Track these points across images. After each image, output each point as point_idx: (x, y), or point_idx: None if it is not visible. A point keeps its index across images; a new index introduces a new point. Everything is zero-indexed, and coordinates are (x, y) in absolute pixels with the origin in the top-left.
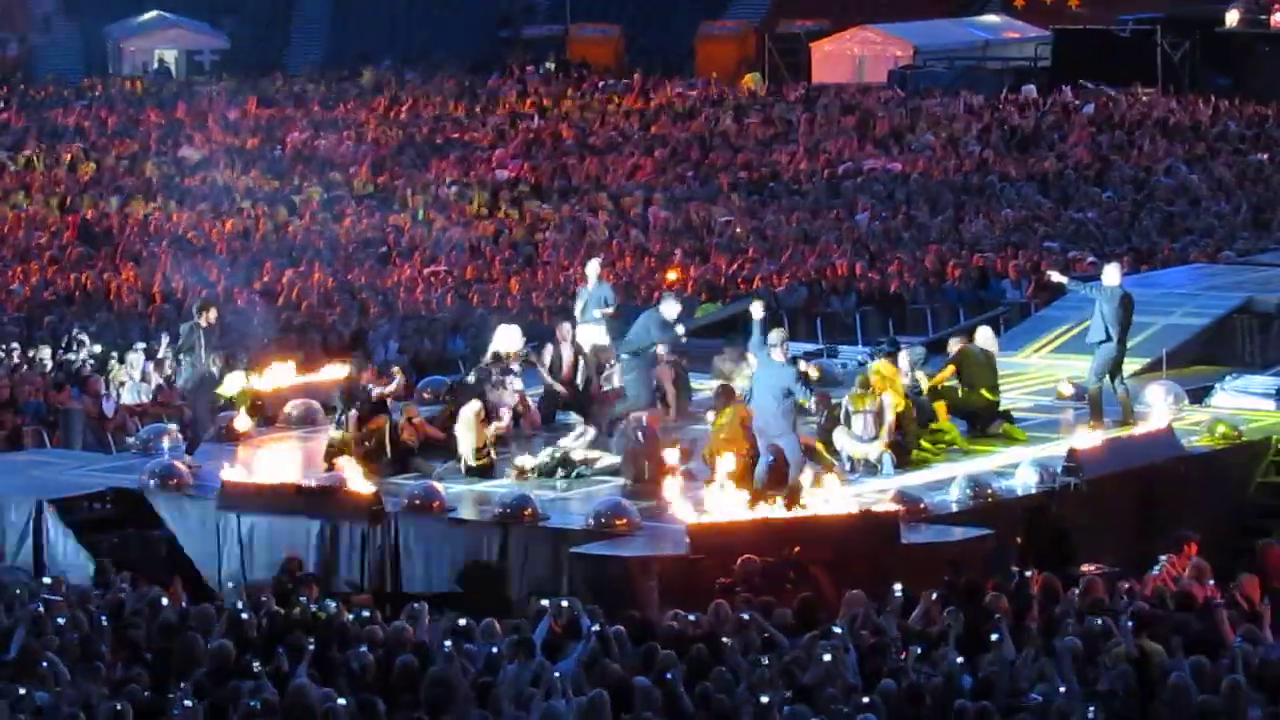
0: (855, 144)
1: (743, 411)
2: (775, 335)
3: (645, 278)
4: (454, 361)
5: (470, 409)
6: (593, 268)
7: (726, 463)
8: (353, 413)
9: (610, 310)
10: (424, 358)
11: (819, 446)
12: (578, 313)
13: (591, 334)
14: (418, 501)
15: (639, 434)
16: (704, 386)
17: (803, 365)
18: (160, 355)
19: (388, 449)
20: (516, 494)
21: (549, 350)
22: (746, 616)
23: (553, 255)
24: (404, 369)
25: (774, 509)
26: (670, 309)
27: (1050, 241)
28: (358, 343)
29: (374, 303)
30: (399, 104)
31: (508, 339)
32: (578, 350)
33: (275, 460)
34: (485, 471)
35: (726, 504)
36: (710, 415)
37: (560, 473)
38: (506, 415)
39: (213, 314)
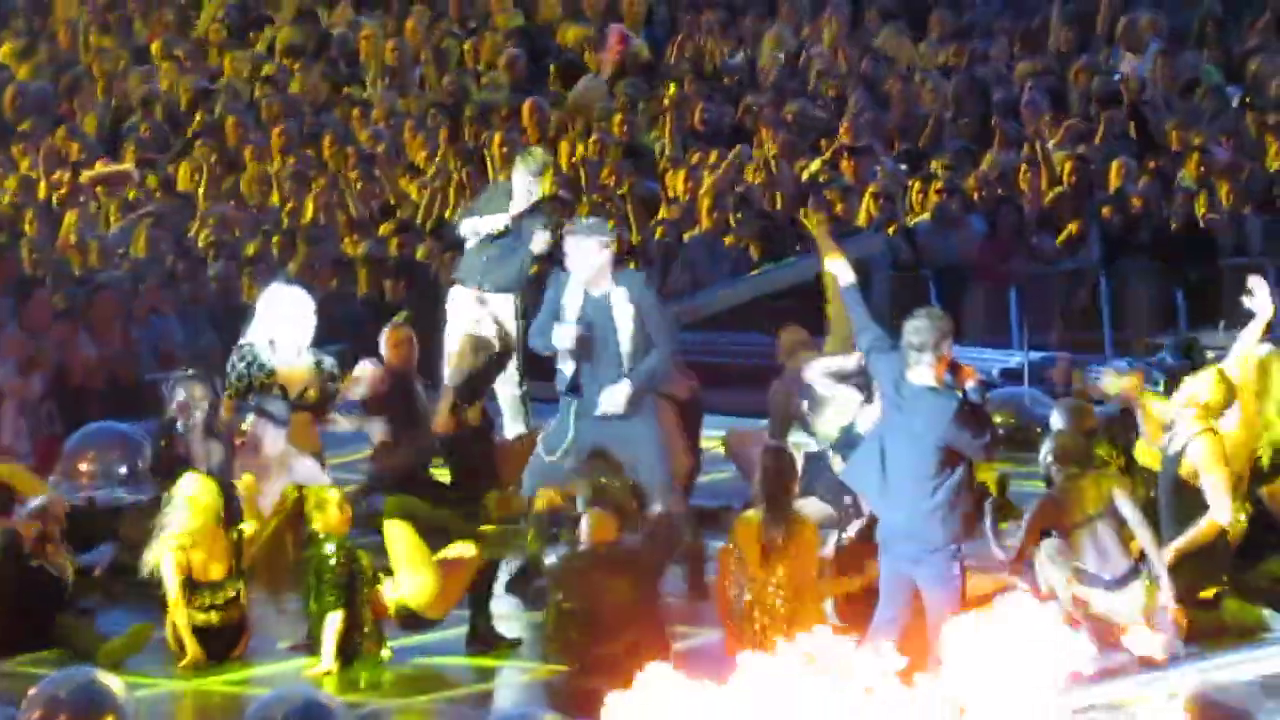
0: None
1: None
2: (921, 327)
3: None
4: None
5: (195, 487)
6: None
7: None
8: None
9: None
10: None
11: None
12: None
13: (497, 305)
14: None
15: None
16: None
17: (971, 386)
18: None
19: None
20: (298, 701)
21: (366, 367)
22: None
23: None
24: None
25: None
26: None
27: None
28: None
29: None
30: None
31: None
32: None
33: None
34: (226, 639)
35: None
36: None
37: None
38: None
39: None
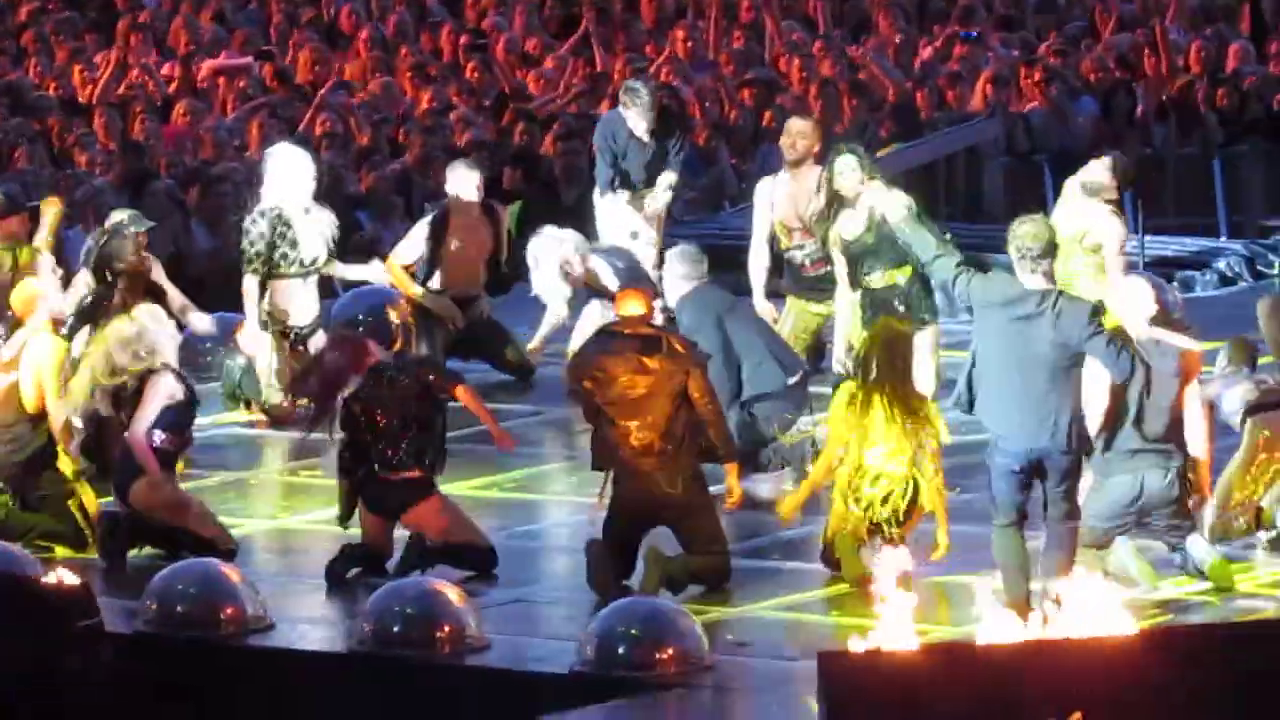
0: None
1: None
2: (1040, 233)
3: None
4: None
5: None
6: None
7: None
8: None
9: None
10: None
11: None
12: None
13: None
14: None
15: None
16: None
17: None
18: None
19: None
20: None
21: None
22: None
23: None
24: None
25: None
26: None
27: None
28: None
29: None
30: None
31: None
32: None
33: None
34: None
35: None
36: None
37: None
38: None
39: None
